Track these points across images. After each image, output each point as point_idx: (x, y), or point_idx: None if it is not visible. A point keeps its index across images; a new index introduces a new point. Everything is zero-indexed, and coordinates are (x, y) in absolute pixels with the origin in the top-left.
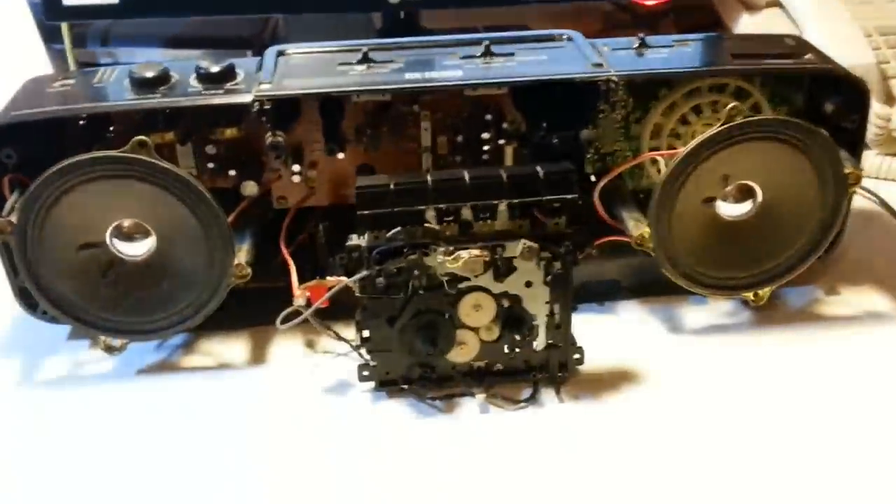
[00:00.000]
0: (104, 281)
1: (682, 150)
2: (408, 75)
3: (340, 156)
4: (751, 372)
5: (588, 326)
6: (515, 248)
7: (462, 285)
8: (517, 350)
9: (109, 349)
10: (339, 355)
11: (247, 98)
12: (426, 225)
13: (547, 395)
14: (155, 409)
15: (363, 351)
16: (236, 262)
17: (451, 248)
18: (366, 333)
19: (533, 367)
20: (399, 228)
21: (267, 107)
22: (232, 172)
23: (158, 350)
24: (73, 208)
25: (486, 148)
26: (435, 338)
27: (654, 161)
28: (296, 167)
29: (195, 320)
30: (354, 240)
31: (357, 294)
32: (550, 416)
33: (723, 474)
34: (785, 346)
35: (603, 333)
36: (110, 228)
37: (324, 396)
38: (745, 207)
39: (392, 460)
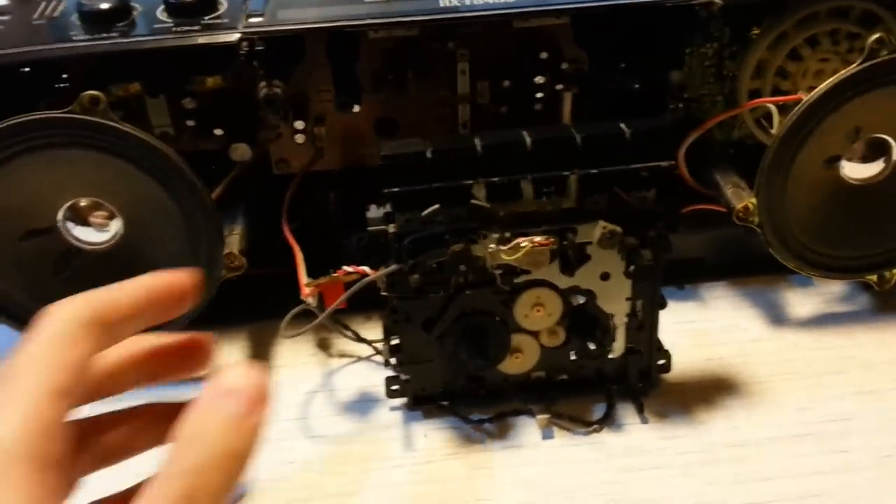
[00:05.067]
0: (57, 278)
1: (811, 96)
2: (441, 2)
3: (355, 109)
4: (882, 377)
5: (667, 316)
6: (591, 232)
7: (519, 279)
8: (587, 358)
9: None
10: (359, 360)
11: (232, 36)
12: (473, 202)
13: (625, 412)
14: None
15: (392, 362)
16: (227, 250)
17: (508, 235)
18: (395, 341)
19: (606, 377)
20: (437, 207)
21: (259, 48)
22: (218, 132)
23: None
24: (12, 185)
25: (539, 95)
26: (485, 346)
27: (753, 110)
28: (299, 123)
29: (174, 327)
30: (374, 211)
31: (383, 292)
32: (631, 441)
33: None
34: None
35: (686, 325)
36: (62, 209)
37: (341, 418)
38: (876, 168)
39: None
